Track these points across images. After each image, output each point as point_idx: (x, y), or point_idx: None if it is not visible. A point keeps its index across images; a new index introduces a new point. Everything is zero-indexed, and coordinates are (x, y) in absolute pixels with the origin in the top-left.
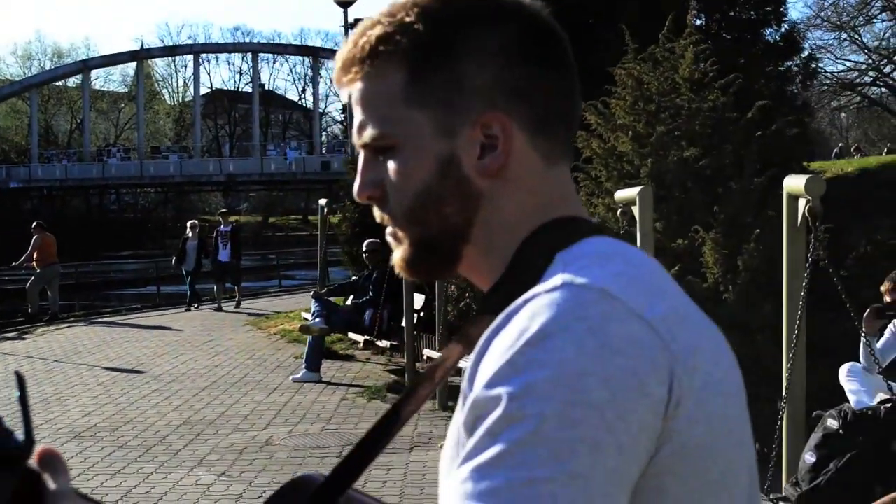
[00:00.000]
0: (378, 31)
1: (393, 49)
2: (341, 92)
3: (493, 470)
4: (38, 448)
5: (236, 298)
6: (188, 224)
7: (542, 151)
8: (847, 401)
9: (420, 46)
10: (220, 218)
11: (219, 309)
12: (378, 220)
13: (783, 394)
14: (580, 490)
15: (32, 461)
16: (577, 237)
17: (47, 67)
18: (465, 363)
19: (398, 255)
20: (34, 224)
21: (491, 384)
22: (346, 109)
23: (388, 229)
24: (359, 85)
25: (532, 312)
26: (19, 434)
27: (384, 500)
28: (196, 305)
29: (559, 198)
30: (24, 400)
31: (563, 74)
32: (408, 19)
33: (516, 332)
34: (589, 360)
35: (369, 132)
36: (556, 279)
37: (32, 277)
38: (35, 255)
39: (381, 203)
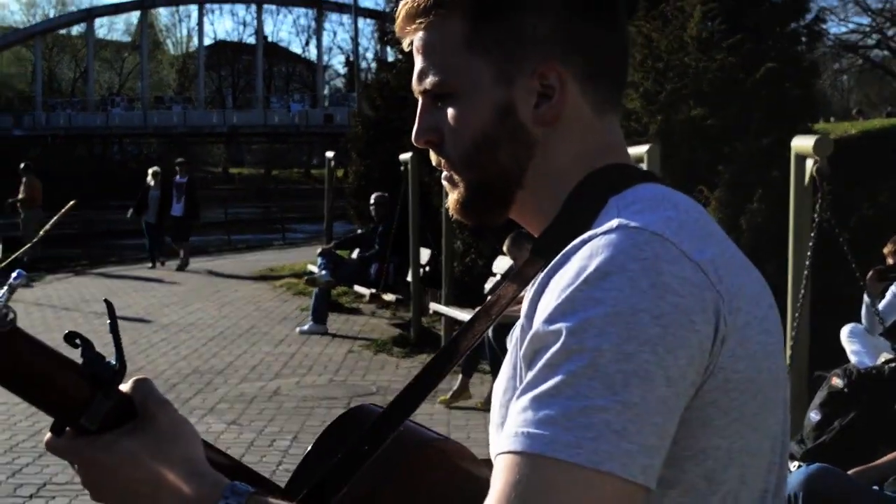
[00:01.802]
0: None
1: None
2: (404, 40)
3: (551, 399)
4: (133, 377)
5: (180, 259)
6: (150, 171)
7: (593, 103)
8: (848, 361)
9: None
10: (177, 167)
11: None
12: (434, 163)
13: (788, 354)
14: (631, 418)
15: (125, 386)
16: (629, 183)
17: (51, 15)
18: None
19: (453, 197)
20: (23, 165)
21: (551, 320)
22: (350, 64)
23: (444, 173)
24: (421, 34)
25: (590, 253)
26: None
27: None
28: (159, 262)
29: (609, 146)
30: (114, 327)
31: (615, 33)
32: None
33: (575, 271)
34: (643, 298)
35: (430, 79)
36: (612, 222)
37: (23, 222)
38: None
39: (439, 148)
